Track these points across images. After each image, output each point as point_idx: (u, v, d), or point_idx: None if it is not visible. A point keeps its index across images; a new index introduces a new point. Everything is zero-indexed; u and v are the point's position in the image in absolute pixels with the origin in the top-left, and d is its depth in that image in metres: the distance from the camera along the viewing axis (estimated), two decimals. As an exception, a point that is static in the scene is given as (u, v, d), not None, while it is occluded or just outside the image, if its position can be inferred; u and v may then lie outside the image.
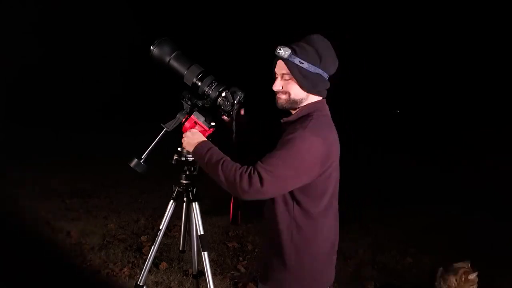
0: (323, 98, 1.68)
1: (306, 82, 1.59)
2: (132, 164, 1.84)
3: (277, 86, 1.64)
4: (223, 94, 1.78)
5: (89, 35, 13.13)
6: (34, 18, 12.04)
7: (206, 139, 1.72)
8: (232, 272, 3.68)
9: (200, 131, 1.84)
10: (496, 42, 11.86)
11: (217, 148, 1.65)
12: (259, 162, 1.50)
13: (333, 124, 1.67)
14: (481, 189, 6.71)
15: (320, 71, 1.59)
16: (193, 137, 1.72)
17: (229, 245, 4.26)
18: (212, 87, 1.81)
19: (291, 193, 1.57)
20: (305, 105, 1.63)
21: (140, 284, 2.03)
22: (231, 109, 1.78)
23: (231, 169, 1.51)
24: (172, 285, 3.39)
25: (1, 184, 6.02)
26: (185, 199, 2.05)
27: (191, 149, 1.70)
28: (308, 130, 1.51)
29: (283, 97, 1.64)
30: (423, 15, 12.66)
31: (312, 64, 1.57)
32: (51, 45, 12.52)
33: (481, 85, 12.25)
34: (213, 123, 1.87)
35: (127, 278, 3.46)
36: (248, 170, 1.48)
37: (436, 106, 13.00)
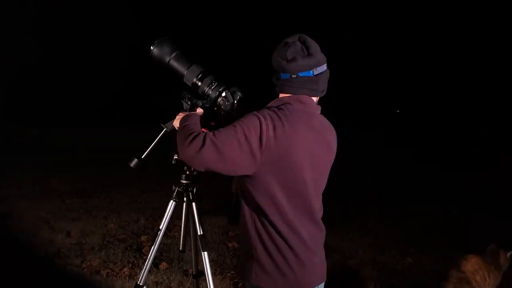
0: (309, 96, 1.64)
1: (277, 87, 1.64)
2: (132, 164, 1.84)
3: None
4: (223, 94, 1.78)
5: (89, 35, 13.13)
6: (34, 18, 12.04)
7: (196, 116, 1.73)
8: (232, 272, 3.68)
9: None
10: (496, 42, 11.86)
11: (194, 117, 1.68)
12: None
13: (316, 124, 1.61)
14: (481, 189, 6.71)
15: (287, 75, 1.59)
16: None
17: (229, 245, 4.26)
18: (212, 87, 1.81)
19: (247, 189, 1.55)
20: (280, 97, 1.63)
21: (140, 284, 2.02)
22: (231, 109, 1.78)
23: (189, 131, 1.53)
24: (172, 285, 3.39)
25: (1, 184, 6.03)
26: (185, 199, 2.04)
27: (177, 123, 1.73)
28: (262, 113, 1.49)
29: None
30: (423, 15, 12.65)
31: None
32: (51, 45, 12.52)
33: (482, 85, 12.25)
34: (212, 123, 1.87)
35: (127, 278, 3.46)
36: (195, 136, 1.48)
37: (436, 106, 12.99)
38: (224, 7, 13.81)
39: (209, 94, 1.81)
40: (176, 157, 1.93)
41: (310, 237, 1.65)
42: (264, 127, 1.45)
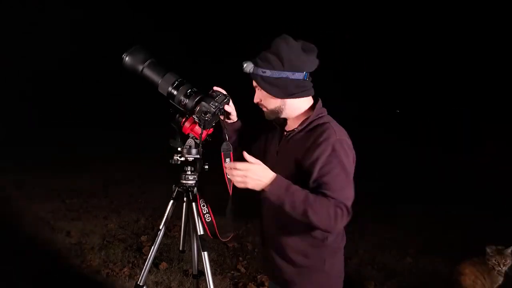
0: (312, 97, 1.65)
1: (274, 89, 1.57)
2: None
3: (255, 98, 1.66)
4: (202, 103, 1.69)
5: (88, 35, 13.14)
6: (34, 18, 12.06)
7: (274, 174, 1.48)
8: (232, 272, 3.68)
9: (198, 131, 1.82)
10: (496, 42, 11.86)
11: (293, 185, 1.47)
12: (334, 196, 1.45)
13: None
14: (481, 189, 6.71)
15: (286, 74, 1.54)
16: (261, 175, 1.47)
17: (229, 245, 4.26)
18: (190, 96, 1.72)
19: None
20: (309, 113, 1.60)
21: (140, 284, 2.02)
22: (210, 118, 1.70)
23: (323, 211, 1.43)
24: (172, 285, 3.39)
25: (2, 184, 6.03)
26: (185, 199, 2.04)
27: (261, 188, 1.50)
28: (338, 134, 1.53)
29: (264, 109, 1.66)
30: (424, 15, 12.66)
31: (276, 70, 1.54)
32: (51, 44, 12.53)
33: (482, 85, 12.25)
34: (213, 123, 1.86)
35: (127, 278, 3.46)
36: (338, 210, 1.44)
37: (437, 106, 13.00)
38: (224, 6, 13.81)
39: (185, 104, 1.73)
40: (176, 157, 1.92)
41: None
42: (349, 143, 1.56)
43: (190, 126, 1.83)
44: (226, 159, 1.67)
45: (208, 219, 1.82)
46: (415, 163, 8.93)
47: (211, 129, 1.86)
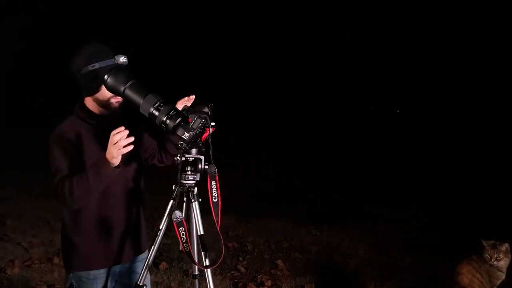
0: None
1: None
2: None
3: None
4: (176, 134, 1.72)
5: (87, 35, 13.14)
6: (32, 18, 12.06)
7: (100, 158, 1.76)
8: (232, 272, 3.68)
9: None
10: (496, 43, 11.85)
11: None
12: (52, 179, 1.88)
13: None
14: (481, 189, 6.71)
15: None
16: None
17: (229, 245, 4.26)
18: (171, 118, 1.73)
19: None
20: None
21: (140, 284, 2.02)
22: (186, 148, 1.76)
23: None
24: (172, 285, 3.39)
25: (1, 184, 6.02)
26: (185, 199, 2.04)
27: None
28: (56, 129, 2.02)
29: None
30: (424, 15, 12.66)
31: None
32: (50, 44, 12.53)
33: (482, 85, 12.24)
34: (213, 123, 1.86)
35: (127, 278, 3.46)
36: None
37: (437, 106, 13.00)
38: (223, 7, 13.80)
39: (167, 124, 1.74)
40: (177, 157, 1.92)
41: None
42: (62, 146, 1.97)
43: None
44: (212, 181, 1.85)
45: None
46: (415, 163, 8.93)
47: (212, 129, 1.86)
